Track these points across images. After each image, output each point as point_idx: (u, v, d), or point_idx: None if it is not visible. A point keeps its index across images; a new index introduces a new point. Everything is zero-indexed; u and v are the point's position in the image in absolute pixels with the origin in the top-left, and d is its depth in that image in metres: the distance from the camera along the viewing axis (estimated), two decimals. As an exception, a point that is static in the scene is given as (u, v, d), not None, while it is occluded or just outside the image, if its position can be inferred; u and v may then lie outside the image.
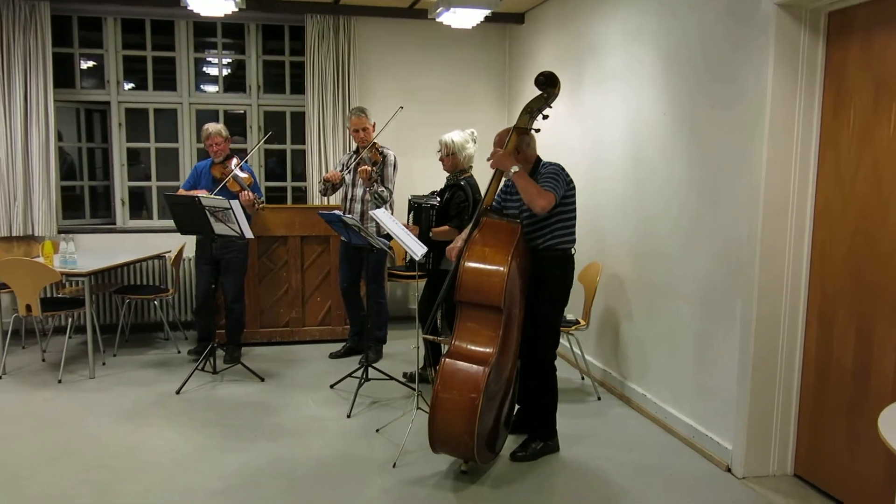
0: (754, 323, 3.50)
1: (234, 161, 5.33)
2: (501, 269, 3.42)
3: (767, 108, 3.38)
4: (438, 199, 4.65)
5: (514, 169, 3.55)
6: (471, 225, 3.69)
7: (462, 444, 3.36)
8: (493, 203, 3.88)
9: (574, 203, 3.76)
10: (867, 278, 3.16)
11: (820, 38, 3.37)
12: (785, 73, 3.37)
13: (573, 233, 3.77)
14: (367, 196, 5.24)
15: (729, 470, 3.67)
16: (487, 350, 3.44)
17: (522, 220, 3.73)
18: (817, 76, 3.39)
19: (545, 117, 3.68)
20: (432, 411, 3.39)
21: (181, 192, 5.26)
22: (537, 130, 3.73)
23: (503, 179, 3.74)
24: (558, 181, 3.60)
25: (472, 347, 3.47)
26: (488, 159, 3.68)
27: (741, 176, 3.59)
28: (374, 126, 5.30)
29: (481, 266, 3.47)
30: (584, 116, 5.36)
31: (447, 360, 3.45)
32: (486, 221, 3.65)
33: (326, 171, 6.41)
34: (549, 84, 3.58)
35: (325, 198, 5.79)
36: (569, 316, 4.81)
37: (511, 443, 3.89)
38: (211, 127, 5.31)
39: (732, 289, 3.67)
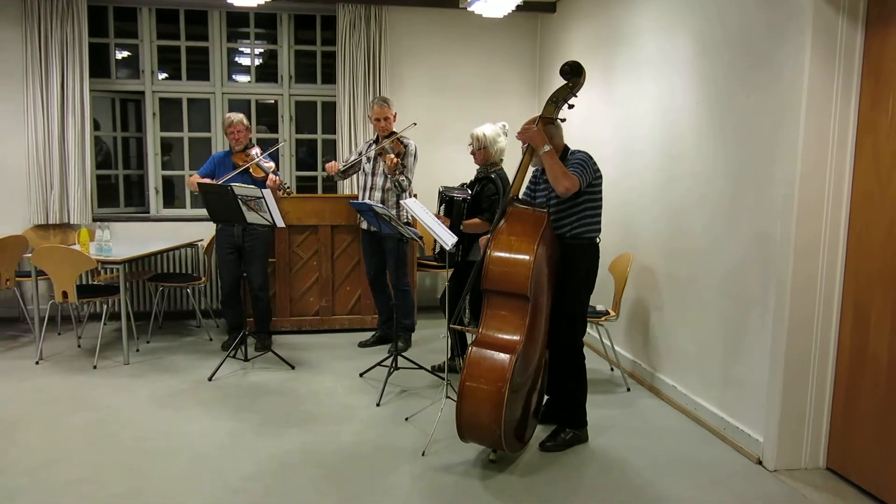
0: (788, 313, 3.45)
1: (256, 150, 5.40)
2: (527, 257, 3.41)
3: (804, 96, 3.32)
4: (469, 191, 4.64)
5: (546, 147, 3.56)
6: (498, 214, 3.70)
7: (489, 432, 3.37)
8: (524, 194, 3.88)
9: (601, 192, 3.75)
10: (905, 270, 3.10)
11: (858, 24, 3.30)
12: (822, 60, 3.30)
13: (599, 221, 3.77)
14: (388, 185, 5.27)
15: (760, 462, 3.63)
16: (514, 338, 3.43)
17: (550, 208, 3.73)
18: (855, 63, 3.32)
19: (571, 107, 3.67)
20: (459, 400, 3.40)
21: (196, 176, 5.32)
22: (563, 120, 3.72)
23: (530, 168, 3.74)
24: (585, 168, 3.61)
25: (499, 336, 3.47)
26: (518, 136, 3.69)
27: (776, 166, 3.54)
28: (395, 116, 5.32)
29: (507, 254, 3.47)
30: (617, 106, 5.31)
31: (474, 348, 3.45)
32: (512, 210, 3.65)
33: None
34: (574, 73, 3.58)
35: (351, 182, 5.90)
36: (598, 307, 4.79)
37: (541, 433, 3.89)
38: (233, 116, 5.39)
39: (766, 279, 3.62)
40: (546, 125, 3.66)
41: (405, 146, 5.28)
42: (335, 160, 5.44)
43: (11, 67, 6.11)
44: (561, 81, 3.61)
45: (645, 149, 4.87)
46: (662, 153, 4.64)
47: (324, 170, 5.49)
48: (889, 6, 3.17)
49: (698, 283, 4.23)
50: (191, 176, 5.36)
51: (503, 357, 3.36)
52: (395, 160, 5.08)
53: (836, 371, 3.50)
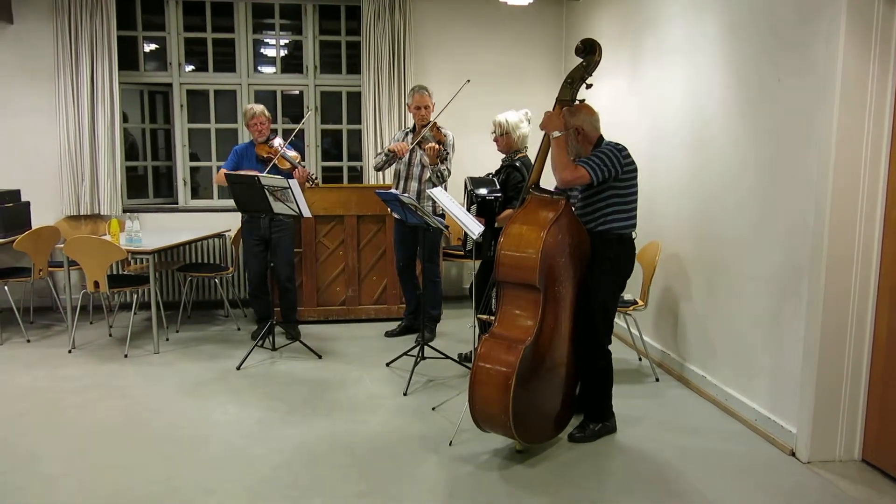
0: (822, 302, 3.38)
1: (278, 141, 5.39)
2: (536, 245, 3.36)
3: (838, 80, 3.24)
4: (497, 184, 4.59)
5: (556, 133, 3.50)
6: (518, 202, 3.67)
7: (500, 421, 3.35)
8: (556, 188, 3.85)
9: (633, 186, 3.64)
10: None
11: (895, 6, 3.22)
12: (857, 44, 3.22)
13: (632, 216, 3.67)
14: (425, 175, 5.23)
15: (793, 454, 3.57)
16: (525, 329, 3.40)
17: (575, 202, 3.67)
18: (892, 46, 3.24)
19: (588, 86, 3.60)
20: (471, 388, 3.41)
21: (223, 171, 5.35)
22: (581, 100, 3.65)
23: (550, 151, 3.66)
24: (603, 162, 3.50)
25: (511, 326, 3.45)
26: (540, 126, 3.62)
27: (809, 151, 3.46)
28: (433, 105, 5.27)
29: (517, 243, 3.43)
30: (644, 93, 5.24)
31: (486, 338, 3.45)
32: (529, 198, 3.61)
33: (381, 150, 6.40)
34: (588, 51, 3.52)
35: (378, 172, 5.79)
36: (626, 296, 4.74)
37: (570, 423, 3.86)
38: (255, 107, 5.39)
39: (799, 267, 3.56)
40: (563, 107, 3.58)
41: (444, 136, 5.22)
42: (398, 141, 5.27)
43: (43, 62, 6.19)
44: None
45: (672, 135, 4.80)
46: (691, 139, 4.57)
47: (392, 152, 5.22)
48: (928, -14, 3.08)
49: (729, 271, 4.17)
50: (218, 172, 5.38)
51: (511, 347, 3.34)
52: (436, 147, 5.00)
53: (872, 360, 3.43)
